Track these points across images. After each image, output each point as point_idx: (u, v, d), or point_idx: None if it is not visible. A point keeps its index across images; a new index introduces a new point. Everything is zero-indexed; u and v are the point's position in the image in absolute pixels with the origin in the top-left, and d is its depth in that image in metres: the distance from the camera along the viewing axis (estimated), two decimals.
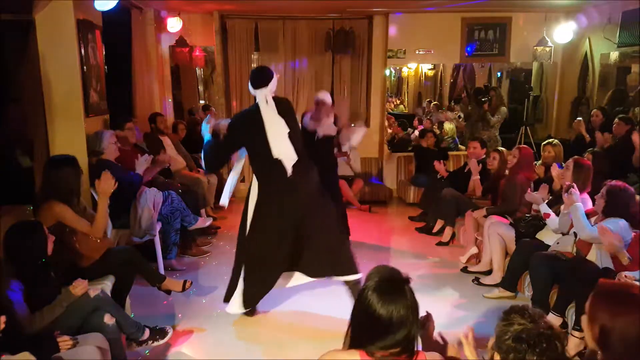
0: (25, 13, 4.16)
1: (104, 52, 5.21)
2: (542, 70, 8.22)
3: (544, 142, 5.30)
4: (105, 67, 5.35)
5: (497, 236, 4.47)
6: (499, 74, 9.43)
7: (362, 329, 1.75)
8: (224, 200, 3.94)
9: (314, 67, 7.60)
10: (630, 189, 3.47)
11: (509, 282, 4.19)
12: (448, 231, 5.61)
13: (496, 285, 4.33)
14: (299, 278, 3.79)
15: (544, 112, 8.09)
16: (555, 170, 4.42)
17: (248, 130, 3.56)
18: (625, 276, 2.92)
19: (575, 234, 3.74)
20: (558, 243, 3.92)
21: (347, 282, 3.69)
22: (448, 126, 8.19)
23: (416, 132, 7.87)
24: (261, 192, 3.62)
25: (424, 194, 6.41)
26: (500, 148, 5.48)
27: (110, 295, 3.29)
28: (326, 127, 4.82)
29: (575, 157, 4.15)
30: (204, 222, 5.14)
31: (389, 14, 7.12)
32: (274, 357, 3.36)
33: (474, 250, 4.92)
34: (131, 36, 6.24)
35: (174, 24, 6.98)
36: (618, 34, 6.02)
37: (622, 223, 3.30)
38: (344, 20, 7.32)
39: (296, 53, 7.47)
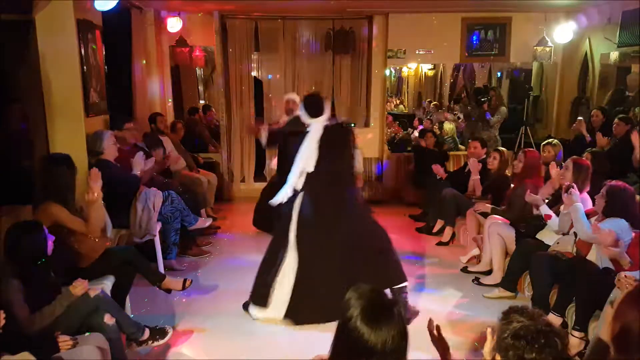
0: (25, 13, 4.16)
1: (104, 52, 5.21)
2: (542, 70, 8.22)
3: (544, 142, 5.30)
4: (105, 67, 5.35)
5: (497, 236, 4.47)
6: (499, 74, 9.43)
7: None
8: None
9: (314, 67, 7.59)
10: (630, 189, 3.47)
11: (509, 282, 4.19)
12: (448, 231, 5.61)
13: (496, 285, 4.33)
14: None
15: (544, 112, 8.09)
16: (554, 169, 4.41)
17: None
18: (625, 276, 2.91)
19: (575, 234, 3.74)
20: (558, 243, 3.92)
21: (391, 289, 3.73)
22: (448, 126, 8.18)
23: (416, 132, 7.87)
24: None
25: (424, 194, 6.40)
26: (500, 148, 5.48)
27: (110, 295, 3.29)
28: None
29: (575, 157, 4.15)
30: (204, 222, 5.14)
31: (389, 14, 7.12)
32: (274, 357, 3.37)
33: (475, 251, 4.91)
34: (131, 36, 6.24)
35: (174, 24, 6.98)
36: (618, 34, 6.01)
37: (622, 223, 3.30)
38: (344, 20, 7.32)
39: (296, 53, 7.47)
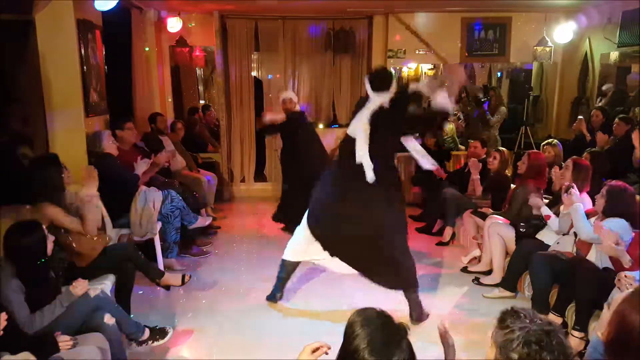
0: (25, 13, 4.17)
1: (104, 52, 5.21)
2: (542, 70, 8.22)
3: (544, 142, 5.29)
4: (105, 67, 5.35)
5: (497, 236, 4.47)
6: (499, 74, 9.43)
7: None
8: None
9: (314, 67, 7.60)
10: (630, 189, 3.47)
11: (509, 282, 4.19)
12: (448, 231, 5.61)
13: (496, 285, 4.33)
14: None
15: (544, 112, 8.09)
16: (555, 172, 4.41)
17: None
18: (626, 276, 2.91)
19: (575, 234, 3.74)
20: (558, 243, 3.92)
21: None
22: (448, 126, 8.17)
23: None
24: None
25: (424, 194, 6.40)
26: (500, 148, 5.48)
27: (110, 294, 3.29)
28: None
29: (574, 157, 4.15)
30: (203, 221, 5.14)
31: (389, 14, 7.12)
32: (275, 357, 3.36)
33: (476, 252, 4.90)
34: (131, 36, 6.24)
35: (174, 24, 6.97)
36: (618, 34, 6.01)
37: (622, 223, 3.30)
38: (344, 20, 7.32)
39: (296, 53, 7.47)
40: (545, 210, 4.07)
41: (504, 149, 5.37)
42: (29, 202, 3.36)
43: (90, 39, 4.77)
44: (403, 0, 6.48)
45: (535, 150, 5.00)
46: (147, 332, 3.30)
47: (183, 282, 3.84)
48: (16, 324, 2.57)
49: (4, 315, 2.25)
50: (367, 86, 3.64)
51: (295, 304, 4.12)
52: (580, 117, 6.14)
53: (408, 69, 10.25)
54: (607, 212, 3.41)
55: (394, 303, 3.67)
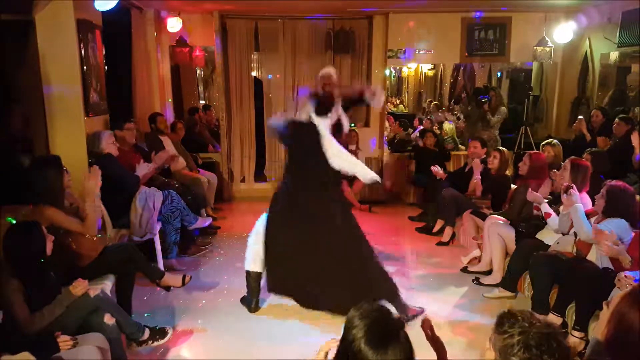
0: (25, 13, 4.16)
1: (104, 52, 5.21)
2: (542, 70, 8.22)
3: (543, 142, 5.29)
4: (105, 67, 5.35)
5: (497, 236, 4.47)
6: (499, 74, 9.43)
7: None
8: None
9: (314, 67, 7.58)
10: (630, 189, 3.47)
11: (509, 282, 4.19)
12: (448, 231, 5.61)
13: (496, 285, 4.33)
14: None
15: (544, 112, 8.08)
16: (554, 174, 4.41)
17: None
18: (626, 276, 2.91)
19: (575, 234, 3.74)
20: (558, 243, 3.92)
21: None
22: (448, 126, 8.18)
23: (416, 132, 7.87)
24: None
25: (424, 194, 6.41)
26: (500, 148, 5.48)
27: (111, 295, 3.29)
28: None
29: (572, 157, 4.15)
30: (203, 221, 5.15)
31: (389, 14, 7.12)
32: (275, 357, 3.37)
33: (476, 252, 4.90)
34: (131, 36, 6.24)
35: (174, 24, 6.98)
36: (618, 34, 6.01)
37: (622, 223, 3.30)
38: (344, 20, 7.32)
39: (296, 53, 7.47)
40: (545, 208, 4.07)
41: (503, 149, 5.37)
42: (30, 203, 3.36)
43: (90, 39, 4.77)
44: (403, 0, 6.48)
45: (536, 151, 5.00)
46: (147, 332, 3.29)
47: (183, 283, 3.84)
48: (16, 324, 2.57)
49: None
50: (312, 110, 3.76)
51: (295, 304, 4.12)
52: (580, 117, 6.14)
53: (408, 69, 10.27)
54: (607, 213, 3.41)
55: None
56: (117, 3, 4.65)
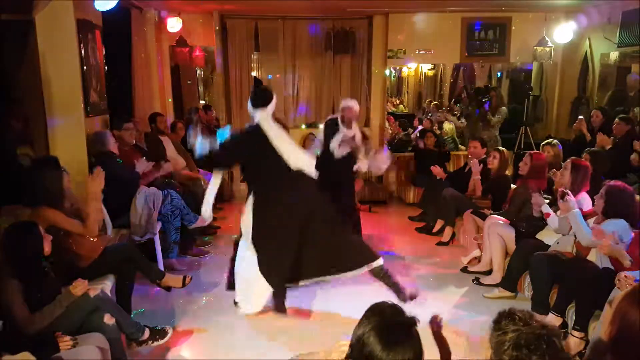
0: (25, 13, 4.17)
1: (104, 52, 5.21)
2: (542, 70, 8.22)
3: (543, 142, 5.29)
4: (105, 67, 5.35)
5: (497, 236, 4.47)
6: (499, 74, 9.43)
7: None
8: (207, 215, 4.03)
9: (314, 67, 7.60)
10: (630, 189, 3.47)
11: (509, 282, 4.19)
12: (448, 231, 5.61)
13: (496, 285, 4.33)
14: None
15: (544, 112, 8.09)
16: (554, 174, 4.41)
17: (252, 146, 3.73)
18: (626, 276, 2.91)
19: (575, 234, 3.74)
20: (558, 243, 3.92)
21: (373, 273, 3.73)
22: (448, 126, 8.19)
23: (416, 132, 7.87)
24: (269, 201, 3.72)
25: (424, 194, 6.41)
26: (500, 148, 5.48)
27: (111, 295, 3.29)
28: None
29: (573, 157, 4.14)
30: (203, 221, 5.12)
31: (389, 14, 7.12)
32: (275, 357, 3.36)
33: (476, 252, 4.90)
34: (131, 36, 6.24)
35: (174, 24, 6.98)
36: (618, 34, 6.01)
37: (622, 223, 3.30)
38: (344, 20, 7.32)
39: (296, 53, 7.47)
40: (546, 208, 4.07)
41: (503, 149, 5.37)
42: (29, 204, 3.35)
43: (90, 39, 4.77)
44: (403, 0, 6.48)
45: (537, 151, 4.98)
46: (147, 332, 3.29)
47: (184, 284, 3.83)
48: (16, 324, 2.57)
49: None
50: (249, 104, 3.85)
51: (295, 305, 4.12)
52: (580, 117, 6.14)
53: (408, 69, 10.28)
54: (607, 213, 3.41)
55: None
56: (117, 3, 4.65)
